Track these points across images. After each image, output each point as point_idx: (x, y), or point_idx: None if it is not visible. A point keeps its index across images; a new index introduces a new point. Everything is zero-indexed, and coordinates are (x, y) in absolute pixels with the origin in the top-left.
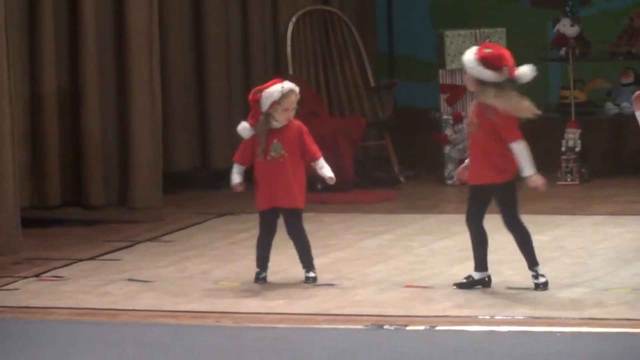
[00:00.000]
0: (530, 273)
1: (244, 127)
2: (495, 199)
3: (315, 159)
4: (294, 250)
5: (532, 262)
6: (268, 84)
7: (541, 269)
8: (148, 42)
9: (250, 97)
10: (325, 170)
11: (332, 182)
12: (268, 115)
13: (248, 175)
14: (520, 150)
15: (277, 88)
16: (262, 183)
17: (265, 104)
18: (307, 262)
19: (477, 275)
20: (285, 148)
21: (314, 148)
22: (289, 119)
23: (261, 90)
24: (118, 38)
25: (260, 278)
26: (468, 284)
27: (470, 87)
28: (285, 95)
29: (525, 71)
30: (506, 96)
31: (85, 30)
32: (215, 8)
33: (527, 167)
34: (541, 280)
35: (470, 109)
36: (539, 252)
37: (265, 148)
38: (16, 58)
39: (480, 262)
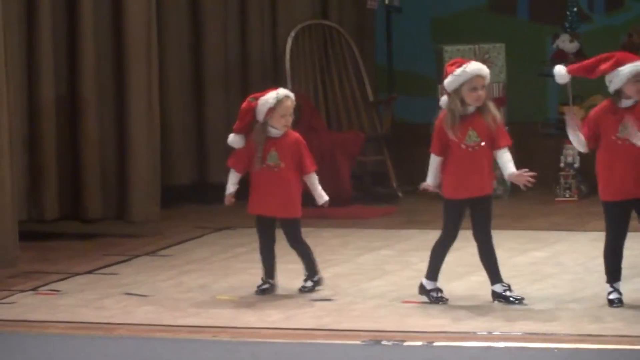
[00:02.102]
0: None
1: (233, 138)
2: (481, 208)
3: (308, 172)
4: (292, 265)
5: (498, 277)
6: (263, 92)
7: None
8: (147, 55)
9: (244, 105)
10: (318, 191)
11: (324, 205)
12: (265, 124)
13: (242, 188)
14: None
15: (272, 95)
16: (257, 190)
17: (261, 112)
18: (309, 270)
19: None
20: (281, 158)
21: (309, 161)
22: (286, 125)
23: (257, 98)
24: (116, 50)
25: (260, 289)
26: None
27: (484, 97)
28: (280, 101)
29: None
30: None
31: (83, 41)
32: (214, 22)
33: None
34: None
35: (455, 124)
36: (537, 268)
37: (262, 157)
38: (14, 67)
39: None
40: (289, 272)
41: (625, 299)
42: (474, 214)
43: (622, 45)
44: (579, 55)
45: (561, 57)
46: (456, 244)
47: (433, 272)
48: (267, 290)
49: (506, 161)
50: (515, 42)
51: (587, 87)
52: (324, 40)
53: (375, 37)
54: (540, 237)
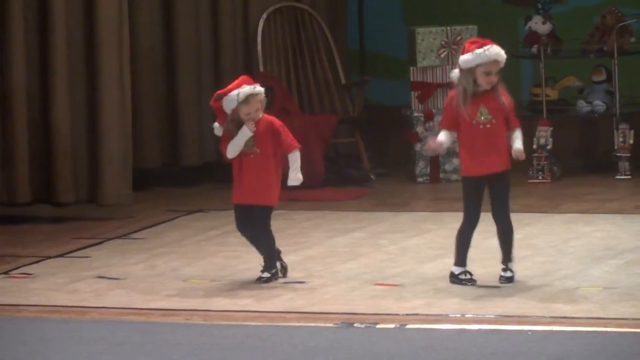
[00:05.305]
0: (501, 267)
1: (215, 127)
2: (499, 185)
3: (292, 149)
4: None
5: (508, 258)
6: (231, 85)
7: (513, 265)
8: (118, 38)
9: (212, 103)
10: (293, 172)
11: (295, 184)
12: (234, 115)
13: (225, 173)
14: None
15: (234, 96)
16: (237, 178)
17: (227, 109)
18: (267, 262)
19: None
20: (257, 145)
21: (290, 139)
22: (254, 119)
23: (222, 96)
24: (88, 34)
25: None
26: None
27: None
28: (243, 102)
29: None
30: None
31: (55, 26)
32: (186, 4)
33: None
34: (508, 274)
35: (467, 102)
36: None
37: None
38: None
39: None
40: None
41: (599, 281)
42: (492, 192)
43: (596, 26)
44: (552, 36)
45: (534, 39)
46: (428, 226)
47: (461, 258)
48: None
49: (515, 137)
50: (488, 23)
51: (560, 69)
52: (296, 23)
53: (347, 19)
54: (513, 219)
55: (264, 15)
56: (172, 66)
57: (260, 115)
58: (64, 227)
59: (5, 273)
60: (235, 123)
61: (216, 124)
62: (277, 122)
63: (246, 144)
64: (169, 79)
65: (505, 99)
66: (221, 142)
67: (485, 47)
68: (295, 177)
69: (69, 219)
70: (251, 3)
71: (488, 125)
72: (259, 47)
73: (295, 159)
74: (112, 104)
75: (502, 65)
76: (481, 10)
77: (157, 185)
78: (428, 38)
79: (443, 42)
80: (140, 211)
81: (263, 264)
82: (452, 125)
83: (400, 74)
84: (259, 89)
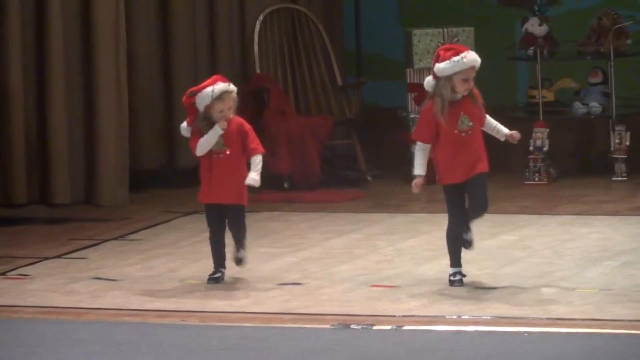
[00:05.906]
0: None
1: (182, 127)
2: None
3: (253, 154)
4: (263, 249)
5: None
6: (203, 84)
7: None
8: (114, 39)
9: (185, 100)
10: (253, 172)
11: (253, 184)
12: (205, 113)
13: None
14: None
15: (208, 92)
16: (206, 177)
17: (200, 106)
18: (241, 240)
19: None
20: (226, 144)
21: (254, 144)
22: (226, 118)
23: (195, 93)
24: (84, 36)
25: (212, 278)
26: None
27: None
28: (217, 98)
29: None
30: None
31: (51, 28)
32: (182, 6)
33: None
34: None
35: (445, 111)
36: (506, 252)
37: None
38: None
39: None
40: (260, 255)
41: (595, 282)
42: (470, 193)
43: (592, 28)
44: (548, 38)
45: (530, 41)
46: (424, 227)
47: (455, 259)
48: (219, 279)
49: (497, 124)
50: (484, 25)
51: (556, 71)
52: (293, 24)
53: (344, 20)
54: (509, 220)
55: (261, 17)
56: (168, 67)
57: (232, 114)
58: (60, 228)
59: (2, 274)
60: (207, 121)
61: (183, 124)
62: (247, 124)
63: (217, 144)
64: (166, 81)
65: (479, 100)
66: (191, 139)
67: (462, 54)
68: (254, 178)
69: (65, 220)
70: (247, 4)
71: (470, 132)
72: (256, 49)
73: (258, 161)
74: (109, 105)
75: (477, 70)
76: (478, 11)
77: (153, 187)
78: (425, 40)
79: (440, 44)
80: (137, 212)
81: (237, 243)
82: (430, 136)
83: (397, 75)
84: (232, 87)
